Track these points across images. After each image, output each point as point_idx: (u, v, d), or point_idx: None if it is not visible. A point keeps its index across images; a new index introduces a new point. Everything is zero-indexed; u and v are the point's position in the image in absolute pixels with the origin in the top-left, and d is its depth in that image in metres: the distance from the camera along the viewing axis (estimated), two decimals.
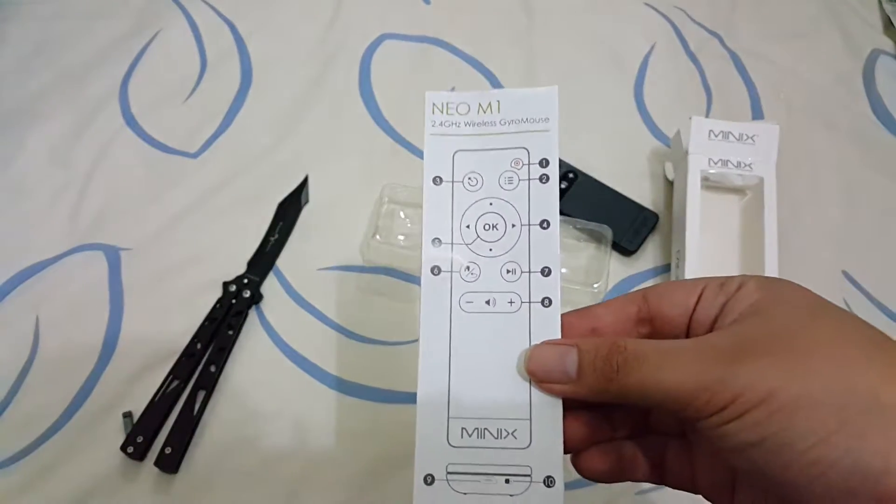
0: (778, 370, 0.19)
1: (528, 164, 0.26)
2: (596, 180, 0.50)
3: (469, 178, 0.26)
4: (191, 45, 0.58)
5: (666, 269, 0.48)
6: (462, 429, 0.24)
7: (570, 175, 0.50)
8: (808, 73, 0.57)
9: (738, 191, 0.48)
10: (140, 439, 0.40)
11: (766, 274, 0.43)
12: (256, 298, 0.46)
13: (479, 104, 0.27)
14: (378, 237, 0.47)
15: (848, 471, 0.17)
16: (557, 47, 0.58)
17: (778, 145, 0.47)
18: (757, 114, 0.55)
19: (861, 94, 0.57)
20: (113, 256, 0.48)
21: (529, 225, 0.25)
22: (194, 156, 0.52)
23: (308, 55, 0.58)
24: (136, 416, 0.41)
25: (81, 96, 0.55)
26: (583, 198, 0.49)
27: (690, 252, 0.44)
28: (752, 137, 0.47)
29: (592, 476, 0.25)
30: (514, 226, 0.25)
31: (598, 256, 0.47)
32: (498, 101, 0.27)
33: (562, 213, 0.31)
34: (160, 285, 0.47)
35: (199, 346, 0.44)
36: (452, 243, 0.25)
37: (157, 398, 0.42)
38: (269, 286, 0.47)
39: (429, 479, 0.24)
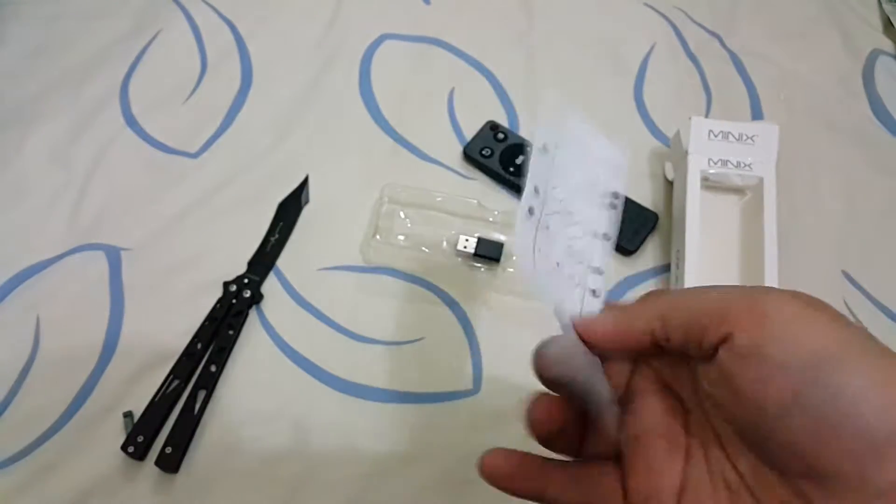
0: (773, 313, 0.20)
1: (602, 193, 0.29)
2: None
3: (567, 167, 0.28)
4: (191, 45, 0.58)
5: (666, 268, 0.48)
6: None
7: None
8: (808, 74, 0.58)
9: (737, 191, 0.48)
10: (140, 439, 0.40)
11: (766, 273, 0.43)
12: (257, 298, 0.46)
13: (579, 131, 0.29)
14: (378, 237, 0.47)
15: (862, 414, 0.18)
16: (557, 47, 0.59)
17: (778, 145, 0.47)
18: (757, 114, 0.55)
19: (861, 94, 0.57)
20: (113, 256, 0.48)
21: (597, 233, 0.29)
22: (195, 156, 0.52)
23: (308, 55, 0.58)
24: (137, 415, 0.42)
25: (82, 96, 0.55)
26: None
27: (690, 252, 0.44)
28: (751, 137, 0.47)
29: (492, 477, 0.25)
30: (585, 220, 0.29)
31: None
32: (585, 131, 0.29)
33: None
34: (161, 285, 0.47)
35: (199, 345, 0.44)
36: (545, 202, 0.27)
37: (157, 398, 0.42)
38: (270, 286, 0.47)
39: (532, 211, 0.26)
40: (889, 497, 0.17)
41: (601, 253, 0.28)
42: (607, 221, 0.29)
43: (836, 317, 0.20)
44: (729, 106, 0.56)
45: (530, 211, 0.26)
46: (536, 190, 0.27)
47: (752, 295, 0.20)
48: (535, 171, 0.27)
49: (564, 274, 0.26)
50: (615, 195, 0.30)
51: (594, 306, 0.27)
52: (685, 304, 0.22)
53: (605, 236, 0.29)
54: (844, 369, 0.18)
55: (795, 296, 0.20)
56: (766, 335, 0.19)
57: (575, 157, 0.29)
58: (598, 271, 0.28)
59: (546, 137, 0.28)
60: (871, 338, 0.19)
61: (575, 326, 0.24)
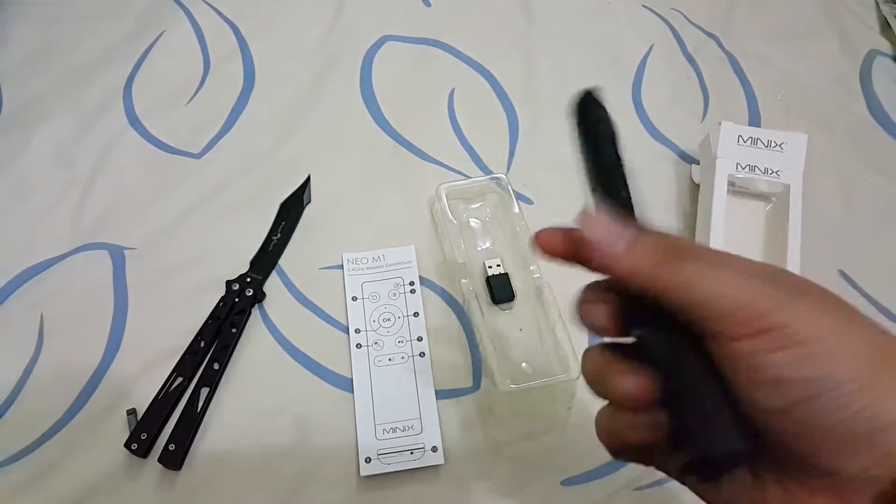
0: (827, 315, 0.20)
1: (403, 284, 0.46)
2: None
3: (372, 295, 0.46)
4: (194, 46, 0.59)
5: None
6: (383, 429, 0.41)
7: None
8: (806, 75, 0.58)
9: (762, 197, 0.48)
10: (144, 436, 0.41)
11: None
12: (259, 297, 0.46)
13: (374, 258, 0.47)
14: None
15: (871, 419, 0.18)
16: (556, 49, 0.59)
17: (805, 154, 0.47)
18: (754, 115, 0.56)
19: (858, 95, 0.57)
20: (117, 255, 0.48)
21: (407, 316, 0.45)
22: (198, 156, 0.53)
23: (310, 56, 0.58)
24: (140, 413, 0.42)
25: (85, 97, 0.55)
26: None
27: None
28: (780, 145, 0.47)
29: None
30: (399, 317, 0.45)
31: None
32: (383, 255, 0.47)
33: None
34: (164, 284, 0.47)
35: (202, 343, 0.44)
36: (367, 330, 0.45)
37: (160, 395, 0.42)
38: (272, 285, 0.47)
39: (368, 460, 0.40)
40: (859, 481, 0.19)
41: (417, 326, 0.45)
42: (412, 303, 0.46)
43: (863, 335, 0.20)
44: (726, 107, 0.56)
45: (357, 346, 0.44)
46: (357, 330, 0.45)
47: (778, 304, 0.19)
48: (353, 316, 0.45)
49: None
50: (411, 283, 0.46)
51: (425, 369, 0.43)
52: (711, 291, 0.20)
53: (415, 314, 0.45)
54: (862, 394, 0.19)
55: (825, 309, 0.20)
56: (770, 346, 0.19)
57: (380, 279, 0.46)
58: (419, 338, 0.44)
59: (352, 291, 0.46)
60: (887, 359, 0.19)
61: (582, 219, 0.23)
